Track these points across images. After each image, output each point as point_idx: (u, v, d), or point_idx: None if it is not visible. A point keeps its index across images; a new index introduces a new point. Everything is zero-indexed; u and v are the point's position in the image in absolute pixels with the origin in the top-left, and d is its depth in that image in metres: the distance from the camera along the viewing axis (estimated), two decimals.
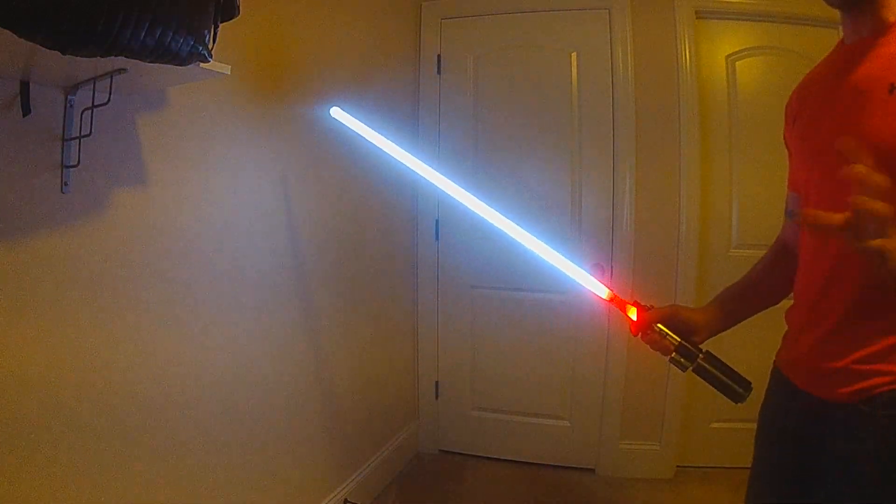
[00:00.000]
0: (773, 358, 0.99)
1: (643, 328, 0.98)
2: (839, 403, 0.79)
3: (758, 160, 2.32)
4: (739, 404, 0.94)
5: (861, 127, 0.75)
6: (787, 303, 0.98)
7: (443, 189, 1.21)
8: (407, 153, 1.28)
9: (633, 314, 0.99)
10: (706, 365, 0.94)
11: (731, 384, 0.92)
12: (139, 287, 1.18)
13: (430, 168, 1.24)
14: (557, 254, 1.09)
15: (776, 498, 0.92)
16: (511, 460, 2.55)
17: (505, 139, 2.49)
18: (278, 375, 1.66)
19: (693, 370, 0.94)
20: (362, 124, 1.40)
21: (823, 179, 0.84)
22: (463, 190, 1.19)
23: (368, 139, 1.37)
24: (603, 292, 1.05)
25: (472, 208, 1.17)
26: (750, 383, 0.92)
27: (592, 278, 1.06)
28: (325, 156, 1.86)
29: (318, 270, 1.85)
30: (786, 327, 0.96)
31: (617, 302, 1.03)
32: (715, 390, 0.95)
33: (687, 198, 2.32)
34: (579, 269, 1.07)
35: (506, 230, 1.14)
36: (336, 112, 1.46)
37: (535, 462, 2.53)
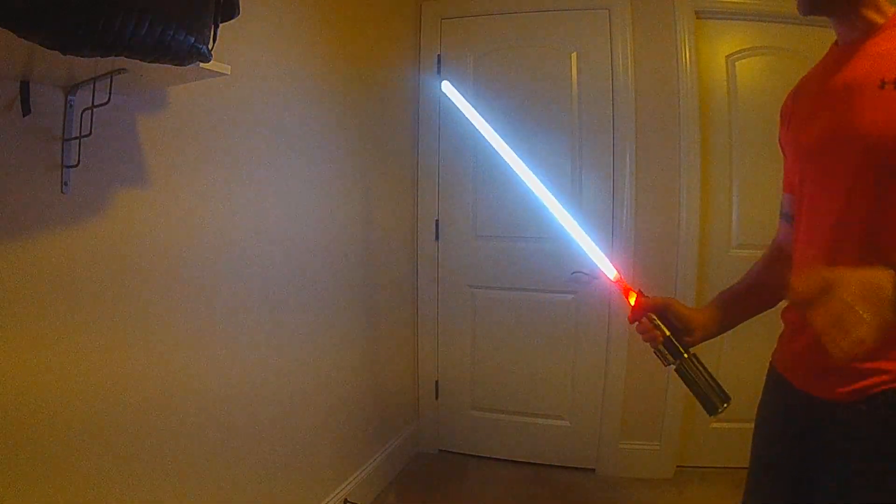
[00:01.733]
0: (769, 359, 0.99)
1: (638, 315, 0.98)
2: (838, 403, 0.79)
3: (758, 160, 2.32)
4: (711, 416, 0.93)
5: (853, 123, 0.75)
6: (782, 303, 0.97)
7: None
8: (502, 141, 1.30)
9: (633, 300, 0.99)
10: (687, 367, 0.93)
11: (708, 393, 0.91)
12: (140, 290, 1.18)
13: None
14: (575, 224, 1.09)
15: (774, 498, 0.92)
16: (511, 460, 2.55)
17: (505, 139, 2.48)
18: (278, 376, 1.66)
19: (675, 369, 0.94)
20: (468, 103, 1.41)
21: (816, 179, 0.84)
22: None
23: (470, 118, 1.38)
24: (611, 272, 1.05)
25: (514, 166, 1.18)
26: (729, 397, 0.91)
27: (604, 257, 1.07)
28: (327, 157, 1.86)
29: (318, 271, 1.85)
30: (780, 327, 0.96)
31: (621, 285, 1.03)
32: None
33: (687, 198, 2.32)
34: (593, 245, 1.08)
35: (531, 185, 1.14)
36: (446, 86, 1.46)
37: (535, 462, 2.53)
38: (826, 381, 0.81)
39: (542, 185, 1.17)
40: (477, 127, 1.31)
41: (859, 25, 0.79)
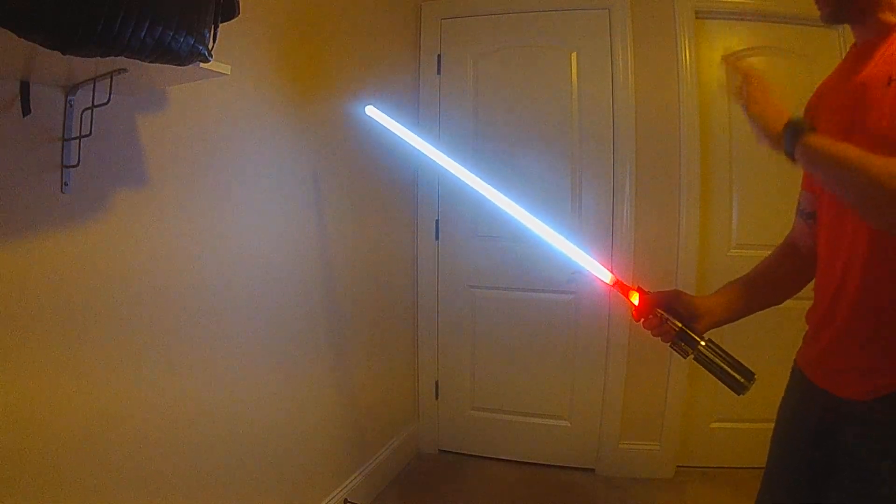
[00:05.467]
0: (790, 358, 0.99)
1: (644, 313, 0.97)
2: (855, 401, 0.80)
3: (758, 160, 2.32)
4: (741, 396, 0.92)
5: (863, 121, 0.76)
6: (802, 303, 0.97)
7: (471, 184, 1.22)
8: (434, 149, 1.30)
9: (635, 299, 0.99)
10: (707, 353, 0.92)
11: (732, 373, 0.90)
12: (140, 291, 1.18)
13: (457, 164, 1.25)
14: (562, 238, 1.09)
15: (791, 495, 0.92)
16: (511, 460, 2.55)
17: (505, 139, 2.49)
18: (279, 377, 1.66)
19: (694, 357, 0.93)
20: (394, 121, 1.42)
21: None
22: (490, 186, 1.20)
23: (400, 136, 1.39)
24: (606, 276, 1.04)
25: (492, 199, 1.18)
26: (753, 373, 0.91)
27: (596, 262, 1.06)
28: (328, 158, 1.86)
29: (318, 272, 1.85)
30: (802, 327, 0.96)
31: (619, 286, 1.02)
32: (718, 389, 0.94)
33: (687, 197, 2.32)
34: (583, 252, 1.07)
35: (519, 218, 1.14)
36: (370, 110, 1.47)
37: (535, 462, 2.53)
38: (844, 379, 0.82)
39: (509, 197, 1.16)
40: (420, 148, 1.33)
41: (876, 27, 0.80)
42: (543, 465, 2.51)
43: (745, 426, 2.30)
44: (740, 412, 2.23)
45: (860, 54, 0.83)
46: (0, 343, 0.92)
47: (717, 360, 0.92)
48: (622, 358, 2.38)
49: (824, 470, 0.85)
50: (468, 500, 2.26)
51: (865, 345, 0.79)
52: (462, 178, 1.22)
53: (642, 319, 0.98)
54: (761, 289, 1.04)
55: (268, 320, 1.60)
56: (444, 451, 2.65)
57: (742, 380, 0.90)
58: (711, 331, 0.99)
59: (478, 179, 1.21)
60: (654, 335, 0.97)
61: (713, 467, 2.40)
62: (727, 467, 2.35)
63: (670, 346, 0.96)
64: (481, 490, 2.33)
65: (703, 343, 0.93)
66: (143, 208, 1.19)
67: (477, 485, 2.37)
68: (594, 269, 1.05)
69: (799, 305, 1.00)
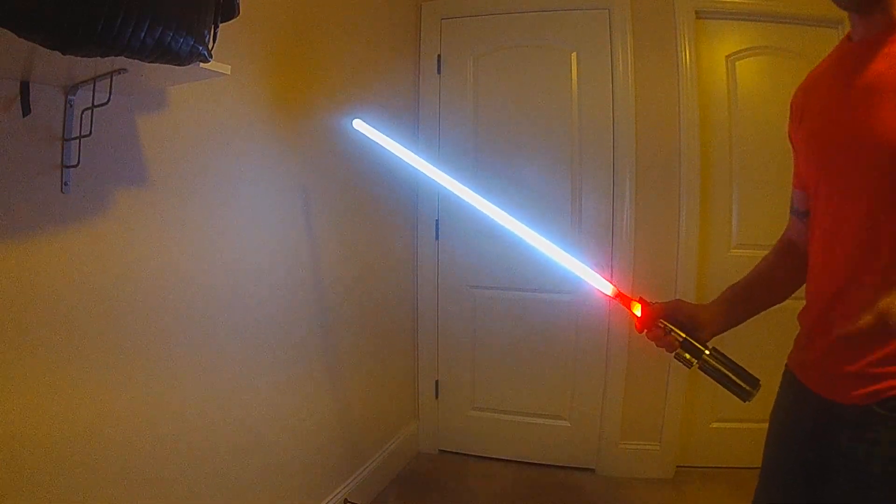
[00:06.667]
0: (784, 359, 0.98)
1: (647, 324, 0.97)
2: (853, 406, 0.79)
3: (758, 160, 2.33)
4: (746, 402, 0.92)
5: (873, 128, 0.74)
6: (797, 304, 0.97)
7: (464, 197, 1.22)
8: (427, 163, 1.30)
9: (637, 310, 0.98)
10: (712, 361, 0.92)
11: (738, 381, 0.90)
12: (139, 291, 1.18)
13: (450, 177, 1.25)
14: (563, 251, 1.09)
15: (788, 496, 0.92)
16: (511, 460, 2.55)
17: (505, 139, 2.49)
18: (278, 377, 1.66)
19: (699, 367, 0.93)
20: (382, 135, 1.42)
21: (834, 182, 0.83)
22: (481, 197, 1.19)
23: (389, 149, 1.39)
24: (607, 289, 1.04)
25: (485, 211, 1.18)
26: (758, 380, 0.90)
27: (597, 275, 1.06)
28: (329, 157, 1.86)
29: (318, 272, 1.85)
30: (796, 328, 0.95)
31: (621, 298, 1.02)
32: (718, 389, 0.93)
33: (687, 198, 2.32)
34: (584, 266, 1.07)
35: (515, 231, 1.14)
36: (358, 124, 1.47)
37: (535, 462, 2.53)
38: (842, 384, 0.81)
39: (508, 201, 1.17)
40: (407, 160, 1.33)
41: (882, 22, 0.76)
42: (543, 465, 2.51)
43: (744, 426, 2.30)
44: (740, 412, 2.21)
45: (857, 52, 0.80)
46: None
47: (722, 368, 0.92)
48: (622, 358, 2.38)
49: (818, 471, 0.85)
50: (468, 500, 2.26)
51: (870, 349, 0.77)
52: (455, 191, 1.22)
53: (645, 331, 0.98)
54: (761, 290, 1.03)
55: (267, 321, 1.60)
56: (444, 451, 2.65)
57: (748, 387, 0.90)
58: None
59: (471, 192, 1.21)
60: (657, 346, 0.97)
61: (713, 467, 2.40)
62: (727, 467, 2.35)
63: (674, 356, 0.95)
64: (481, 490, 2.33)
65: (707, 352, 0.93)
66: (143, 208, 1.19)
67: (477, 485, 2.37)
68: (595, 281, 1.05)
69: (799, 305, 1.00)
